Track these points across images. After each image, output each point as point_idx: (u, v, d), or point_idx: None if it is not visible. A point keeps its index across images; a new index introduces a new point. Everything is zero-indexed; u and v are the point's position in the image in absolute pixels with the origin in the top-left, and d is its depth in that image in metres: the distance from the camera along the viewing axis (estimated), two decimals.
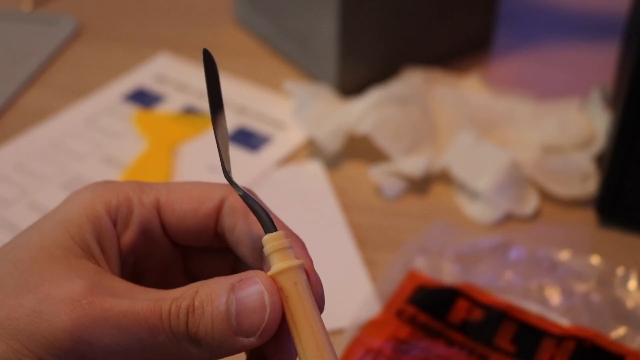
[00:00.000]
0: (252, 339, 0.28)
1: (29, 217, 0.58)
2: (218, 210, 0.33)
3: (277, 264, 0.30)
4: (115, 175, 0.62)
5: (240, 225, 0.33)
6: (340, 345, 0.48)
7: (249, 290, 0.28)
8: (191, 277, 0.35)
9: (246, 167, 0.64)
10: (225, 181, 0.32)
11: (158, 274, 0.35)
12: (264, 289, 0.28)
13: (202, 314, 0.28)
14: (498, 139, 0.65)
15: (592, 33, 0.82)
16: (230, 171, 0.31)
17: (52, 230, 0.31)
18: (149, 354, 0.29)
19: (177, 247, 0.34)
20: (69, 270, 0.30)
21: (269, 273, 0.30)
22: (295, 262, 0.30)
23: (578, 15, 0.85)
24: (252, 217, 0.32)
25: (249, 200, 0.31)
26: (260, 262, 0.32)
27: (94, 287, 0.29)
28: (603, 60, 0.75)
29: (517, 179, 0.59)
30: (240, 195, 0.31)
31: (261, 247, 0.31)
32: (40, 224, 0.32)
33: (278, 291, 0.29)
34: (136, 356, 0.29)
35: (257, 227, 0.32)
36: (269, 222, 0.30)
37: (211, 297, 0.28)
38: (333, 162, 0.64)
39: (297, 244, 0.32)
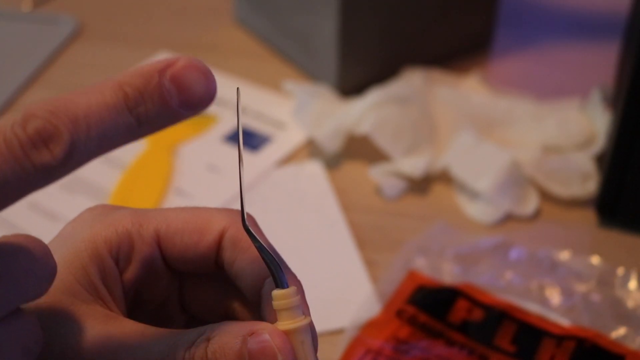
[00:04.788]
0: None
1: (29, 217, 0.58)
2: (219, 243, 0.33)
3: (286, 321, 0.30)
4: (116, 175, 0.62)
5: (240, 260, 0.32)
6: (340, 345, 0.48)
7: (261, 346, 0.29)
8: (184, 299, 0.35)
9: (246, 167, 0.63)
10: (224, 206, 0.32)
11: (154, 306, 0.35)
12: (276, 347, 0.29)
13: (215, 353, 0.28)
14: (498, 139, 0.65)
15: (592, 33, 0.82)
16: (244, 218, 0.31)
17: (58, 274, 0.29)
18: None
19: (175, 274, 0.34)
20: (78, 322, 0.29)
21: (280, 327, 0.30)
22: (304, 321, 0.30)
23: (578, 16, 0.85)
24: (253, 253, 0.32)
25: (265, 253, 0.30)
26: (258, 298, 0.32)
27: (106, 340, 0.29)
28: (603, 60, 0.75)
29: (517, 179, 0.59)
30: (256, 247, 0.30)
31: (261, 285, 0.31)
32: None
33: (291, 349, 0.29)
34: None
35: (259, 264, 0.31)
36: (281, 277, 0.30)
37: (224, 350, 0.28)
38: (333, 162, 0.64)
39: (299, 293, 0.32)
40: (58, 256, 0.30)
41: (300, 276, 0.50)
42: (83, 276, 0.31)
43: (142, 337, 0.29)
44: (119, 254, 0.32)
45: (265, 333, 0.29)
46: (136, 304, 0.34)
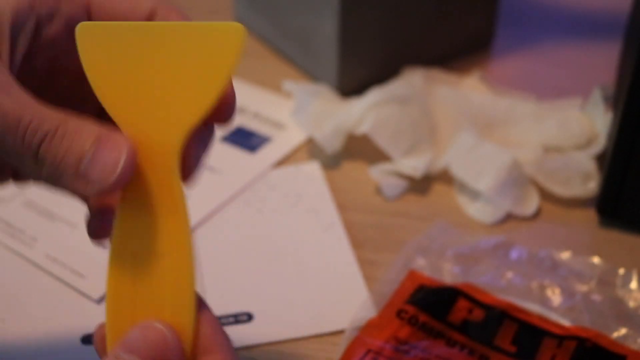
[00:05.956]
0: (93, 187, 0.29)
1: (25, 215, 0.58)
2: (149, 19, 0.33)
3: None
4: None
5: None
6: (341, 345, 0.48)
7: (109, 152, 0.30)
8: (102, 115, 0.35)
9: (245, 167, 0.63)
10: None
11: (71, 85, 0.35)
12: (126, 156, 0.30)
13: (59, 145, 0.29)
14: (499, 139, 0.64)
15: (593, 33, 0.81)
16: None
17: None
18: None
19: None
20: None
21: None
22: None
23: (579, 15, 0.84)
24: None
25: None
26: None
27: None
28: (604, 60, 0.75)
29: (517, 179, 0.59)
30: None
31: None
32: None
33: (132, 167, 0.30)
34: None
35: None
36: None
37: (74, 136, 0.29)
38: (333, 162, 0.64)
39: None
40: None
41: (298, 277, 0.50)
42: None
43: (17, 91, 0.30)
44: (42, 7, 0.32)
45: (119, 141, 0.30)
46: (52, 73, 0.34)
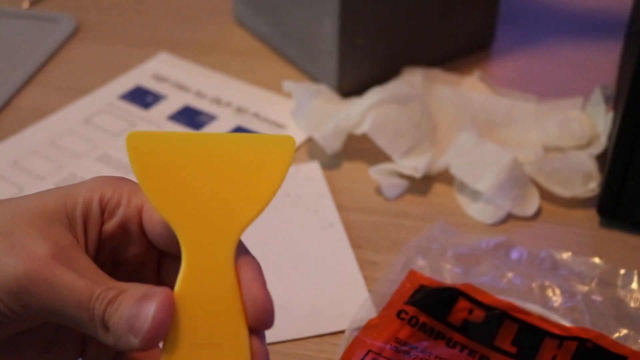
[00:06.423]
0: (136, 341, 0.32)
1: None
2: None
3: None
4: (112, 174, 0.62)
5: None
6: (341, 346, 0.48)
7: (151, 301, 0.33)
8: (161, 278, 0.39)
9: None
10: None
11: (133, 268, 0.39)
12: (156, 305, 0.32)
13: (117, 309, 0.33)
14: (499, 139, 0.64)
15: (593, 32, 0.81)
16: None
17: (55, 197, 0.36)
18: (73, 324, 0.34)
19: (153, 249, 0.38)
20: (49, 233, 0.34)
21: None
22: None
23: (579, 15, 0.84)
24: None
25: None
26: None
27: (58, 252, 0.34)
28: (605, 60, 0.75)
29: (518, 179, 0.59)
30: None
31: None
32: (52, 189, 0.37)
33: (168, 310, 0.33)
34: (63, 321, 0.34)
35: None
36: None
37: (128, 297, 0.33)
38: (333, 162, 0.64)
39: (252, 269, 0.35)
40: (69, 187, 0.37)
41: (297, 278, 0.50)
42: (71, 208, 0.36)
43: (87, 267, 0.34)
44: (106, 207, 0.37)
45: (159, 293, 0.33)
46: (115, 263, 0.38)
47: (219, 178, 0.35)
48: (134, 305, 0.33)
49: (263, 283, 0.35)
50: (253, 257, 0.36)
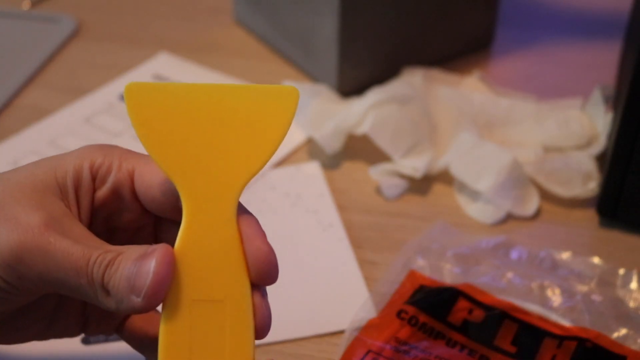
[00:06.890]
0: (139, 300, 0.32)
1: None
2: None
3: None
4: None
5: None
6: (341, 346, 0.48)
7: (151, 258, 0.32)
8: (158, 236, 0.39)
9: None
10: None
11: (129, 234, 0.39)
12: (156, 260, 0.32)
13: (116, 270, 0.33)
14: (499, 139, 0.64)
15: (593, 32, 0.81)
16: None
17: (45, 168, 0.36)
18: (72, 292, 0.34)
19: (148, 214, 0.38)
20: (41, 203, 0.34)
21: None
22: None
23: (579, 15, 0.84)
24: None
25: None
26: None
27: (51, 221, 0.34)
28: (604, 60, 0.75)
29: (518, 179, 0.59)
30: None
31: None
32: (41, 160, 0.36)
33: (168, 266, 0.32)
34: (62, 290, 0.34)
35: None
36: None
37: (126, 258, 0.33)
38: (333, 162, 0.64)
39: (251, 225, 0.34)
40: (59, 157, 0.36)
41: (297, 278, 0.50)
42: (62, 177, 0.36)
43: (82, 234, 0.34)
44: (97, 173, 0.36)
45: (158, 250, 0.32)
46: (111, 230, 0.38)
47: (220, 130, 0.34)
48: (134, 264, 0.32)
49: (264, 237, 0.34)
50: (252, 214, 0.35)
